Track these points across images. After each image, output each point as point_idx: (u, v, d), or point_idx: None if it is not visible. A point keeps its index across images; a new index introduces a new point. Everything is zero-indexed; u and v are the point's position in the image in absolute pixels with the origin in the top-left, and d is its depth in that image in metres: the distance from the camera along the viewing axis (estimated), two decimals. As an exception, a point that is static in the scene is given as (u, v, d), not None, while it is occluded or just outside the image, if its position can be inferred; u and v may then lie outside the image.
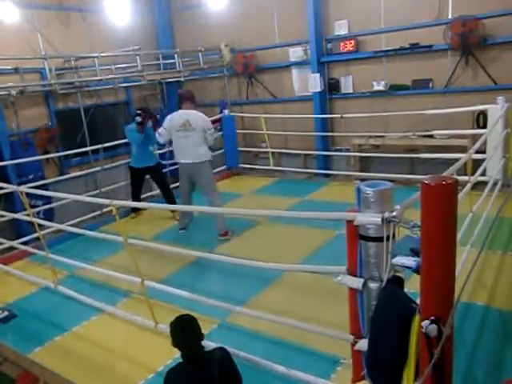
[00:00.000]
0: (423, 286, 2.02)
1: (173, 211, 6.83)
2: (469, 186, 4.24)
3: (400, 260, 2.17)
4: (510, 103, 6.17)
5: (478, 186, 5.41)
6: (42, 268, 5.25)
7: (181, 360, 2.55)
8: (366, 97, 8.33)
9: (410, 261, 2.11)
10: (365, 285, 2.49)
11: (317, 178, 8.65)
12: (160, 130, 5.98)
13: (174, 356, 3.27)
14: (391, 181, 2.56)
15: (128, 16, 8.73)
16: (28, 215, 4.82)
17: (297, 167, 8.92)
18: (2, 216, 5.93)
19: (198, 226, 6.39)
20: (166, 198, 6.91)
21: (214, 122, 9.43)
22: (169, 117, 5.93)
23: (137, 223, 6.91)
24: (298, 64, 9.00)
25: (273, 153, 9.06)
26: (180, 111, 5.83)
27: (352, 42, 8.19)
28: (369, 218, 2.33)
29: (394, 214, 2.25)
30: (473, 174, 4.61)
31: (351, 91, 8.56)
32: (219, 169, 9.11)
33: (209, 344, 2.86)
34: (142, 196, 7.45)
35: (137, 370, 3.55)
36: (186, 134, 5.72)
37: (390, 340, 2.11)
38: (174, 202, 6.74)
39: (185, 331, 2.56)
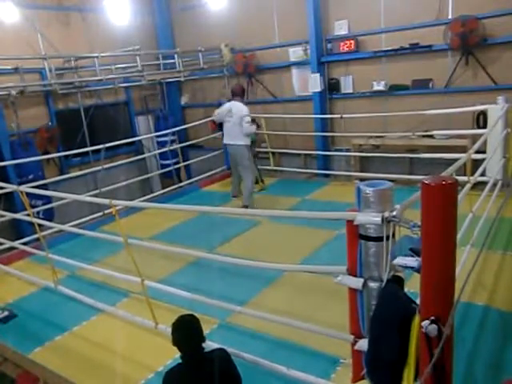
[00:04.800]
0: (423, 285, 2.02)
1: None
2: (468, 185, 4.23)
3: (402, 260, 2.17)
4: (510, 103, 6.17)
5: (478, 186, 5.41)
6: (42, 268, 5.24)
7: (180, 360, 2.55)
8: (366, 97, 8.33)
9: (412, 261, 2.11)
10: (365, 285, 2.48)
11: (317, 178, 8.64)
12: (215, 112, 7.43)
13: (174, 356, 3.26)
14: (391, 181, 2.56)
15: (128, 16, 8.75)
16: (28, 215, 4.82)
17: (297, 167, 8.92)
18: (2, 216, 5.93)
19: (201, 226, 6.40)
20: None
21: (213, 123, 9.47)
22: (222, 106, 7.39)
23: (138, 222, 6.87)
24: (298, 64, 8.99)
25: (273, 153, 9.05)
26: (230, 102, 7.23)
27: (352, 41, 8.19)
28: (369, 218, 2.32)
29: (394, 213, 2.25)
30: (472, 174, 4.61)
31: (351, 91, 8.56)
32: (219, 169, 9.12)
33: (209, 344, 2.86)
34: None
35: (137, 369, 3.55)
36: (228, 119, 7.08)
37: (389, 340, 2.11)
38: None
39: (185, 331, 2.55)
